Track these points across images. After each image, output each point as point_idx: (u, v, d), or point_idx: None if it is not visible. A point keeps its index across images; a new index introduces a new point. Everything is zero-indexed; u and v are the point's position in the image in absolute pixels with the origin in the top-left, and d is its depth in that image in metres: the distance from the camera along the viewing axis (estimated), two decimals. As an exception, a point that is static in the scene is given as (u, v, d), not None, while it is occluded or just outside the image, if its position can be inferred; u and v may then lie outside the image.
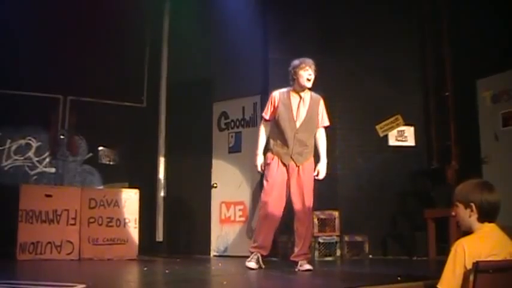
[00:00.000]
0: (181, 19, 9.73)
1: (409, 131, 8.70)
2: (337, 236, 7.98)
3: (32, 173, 9.38)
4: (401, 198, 8.38)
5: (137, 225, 7.84)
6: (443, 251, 6.73)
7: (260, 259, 6.04)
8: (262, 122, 6.31)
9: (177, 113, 9.69)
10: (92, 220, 7.66)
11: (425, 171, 8.46)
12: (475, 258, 3.01)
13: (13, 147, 9.31)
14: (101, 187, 9.23)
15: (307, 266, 5.89)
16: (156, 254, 9.12)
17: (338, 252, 7.96)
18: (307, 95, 6.16)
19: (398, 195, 8.37)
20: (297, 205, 5.97)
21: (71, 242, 7.51)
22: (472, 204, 3.21)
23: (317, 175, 6.07)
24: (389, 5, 8.57)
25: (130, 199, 7.87)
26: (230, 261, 7.55)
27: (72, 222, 7.57)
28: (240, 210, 8.64)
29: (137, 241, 7.81)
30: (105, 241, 7.67)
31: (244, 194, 8.56)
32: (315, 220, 7.87)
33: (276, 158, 6.03)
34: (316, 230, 7.87)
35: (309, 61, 6.17)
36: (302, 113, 6.07)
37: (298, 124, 6.04)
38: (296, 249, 6.06)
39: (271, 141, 6.12)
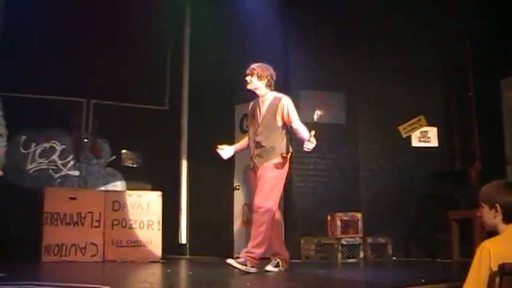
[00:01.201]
0: (202, 22, 9.77)
1: (432, 132, 8.65)
2: (360, 237, 7.95)
3: (56, 176, 9.48)
4: (424, 200, 8.33)
5: (160, 227, 7.88)
6: (467, 253, 6.67)
7: (280, 263, 6.04)
8: None
9: (199, 115, 9.72)
10: (115, 222, 7.72)
11: (448, 173, 8.40)
12: (500, 260, 2.99)
13: (38, 151, 9.43)
14: (124, 189, 9.29)
15: (231, 261, 5.81)
16: (179, 255, 9.17)
17: (361, 254, 7.93)
18: (268, 98, 6.21)
19: (421, 196, 8.32)
20: (255, 197, 5.95)
21: (95, 244, 7.57)
22: (497, 205, 3.19)
23: (308, 144, 5.89)
24: (408, 4, 8.52)
25: (153, 201, 7.90)
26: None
27: (96, 224, 7.63)
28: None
29: (161, 243, 7.84)
30: (129, 243, 7.72)
31: (267, 196, 8.54)
32: (338, 222, 7.86)
33: (250, 164, 6.18)
34: (338, 232, 7.85)
35: (250, 67, 6.26)
36: (261, 117, 6.15)
37: (257, 127, 6.14)
38: None
39: None
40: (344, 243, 7.85)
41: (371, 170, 8.58)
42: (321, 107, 8.50)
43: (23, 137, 9.37)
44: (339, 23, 8.58)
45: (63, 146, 9.58)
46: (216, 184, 9.13)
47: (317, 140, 8.26)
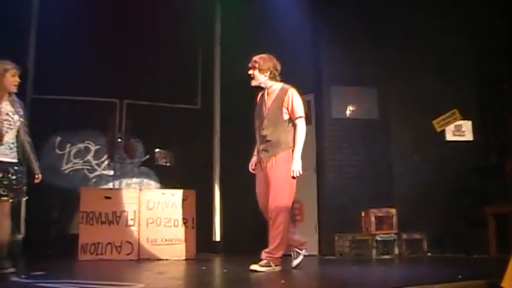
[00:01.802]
0: (232, 21, 9.80)
1: (467, 126, 8.54)
2: (394, 233, 7.89)
3: (91, 175, 9.61)
4: (459, 195, 8.21)
5: (195, 225, 7.92)
6: (504, 248, 6.57)
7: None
8: None
9: (231, 113, 9.75)
10: (150, 221, 7.79)
11: (483, 167, 8.27)
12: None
13: (73, 152, 9.56)
14: (158, 188, 9.36)
15: (254, 267, 5.72)
16: (214, 253, 9.20)
17: (396, 250, 7.86)
18: (275, 90, 5.99)
19: (457, 191, 8.21)
20: (269, 199, 5.80)
21: (130, 243, 7.65)
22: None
23: (292, 172, 5.74)
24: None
25: (187, 199, 7.95)
26: (287, 260, 7.54)
27: (131, 223, 7.72)
28: (296, 209, 8.60)
29: (195, 241, 7.89)
30: (164, 241, 7.78)
31: (301, 193, 8.47)
32: (372, 218, 7.81)
33: (256, 158, 6.04)
34: (373, 228, 7.81)
35: (252, 59, 6.03)
36: (267, 110, 5.96)
37: (264, 121, 5.93)
38: None
39: None
40: (378, 239, 7.80)
41: (405, 165, 8.50)
42: (353, 103, 8.46)
43: (58, 138, 9.52)
44: (370, 17, 8.52)
45: (98, 147, 9.70)
46: (249, 182, 9.10)
47: (350, 136, 8.31)
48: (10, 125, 5.60)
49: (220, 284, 5.35)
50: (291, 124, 5.89)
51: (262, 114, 5.98)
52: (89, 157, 9.65)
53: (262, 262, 5.74)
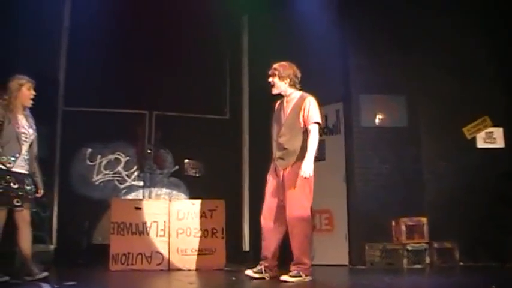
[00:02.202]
0: (259, 31, 9.82)
1: (498, 133, 8.43)
2: (426, 243, 7.81)
3: (122, 186, 9.69)
4: (491, 202, 8.10)
5: (224, 235, 7.92)
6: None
7: (263, 269, 5.93)
8: None
9: (259, 123, 9.73)
10: (180, 231, 7.81)
11: (515, 174, 8.16)
12: None
13: (103, 163, 9.67)
14: (188, 199, 9.40)
15: (286, 278, 5.67)
16: (244, 263, 9.19)
17: (427, 260, 7.78)
18: (293, 98, 6.03)
19: (488, 199, 8.09)
20: (287, 213, 5.82)
21: (161, 253, 7.68)
22: None
23: (303, 172, 5.74)
24: (465, 2, 8.33)
25: (216, 210, 7.96)
26: (317, 270, 7.51)
27: (162, 233, 7.74)
28: (325, 218, 8.60)
29: (225, 251, 7.89)
30: (194, 251, 7.79)
31: (330, 202, 8.50)
32: (403, 227, 7.75)
33: (272, 164, 6.06)
34: (404, 237, 7.74)
35: (272, 66, 6.09)
36: (285, 118, 6.00)
37: (282, 128, 5.98)
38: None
39: None
40: (409, 248, 7.73)
41: (435, 172, 8.40)
42: (382, 111, 8.40)
43: (89, 150, 9.64)
44: (398, 25, 8.45)
45: (128, 158, 9.80)
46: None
47: (379, 144, 8.25)
48: (26, 138, 5.83)
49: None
50: (306, 133, 5.90)
51: (280, 121, 6.03)
52: (119, 168, 9.74)
53: (292, 273, 5.72)
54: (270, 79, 6.03)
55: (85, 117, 9.58)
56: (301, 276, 5.70)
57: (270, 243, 5.99)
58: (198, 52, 9.86)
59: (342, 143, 8.47)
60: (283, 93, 6.06)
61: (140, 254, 7.61)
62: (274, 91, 6.06)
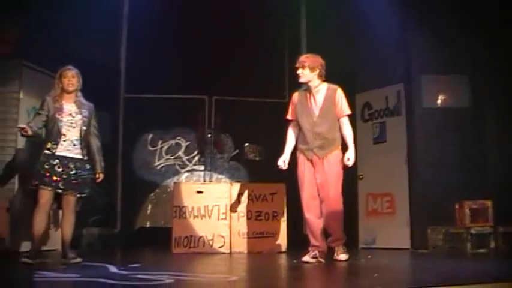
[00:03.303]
0: (318, 12, 9.73)
1: None
2: (490, 226, 7.60)
3: (183, 171, 9.83)
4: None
5: (285, 218, 7.93)
6: None
7: (317, 254, 6.07)
8: (288, 123, 6.51)
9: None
10: (241, 214, 7.85)
11: None
12: None
13: (164, 148, 9.83)
14: (248, 182, 9.44)
15: (342, 257, 6.14)
16: (304, 246, 9.18)
17: (492, 244, 7.58)
18: (321, 89, 6.24)
19: (557, 182, 7.81)
20: (324, 196, 6.11)
21: (222, 236, 7.75)
22: None
23: (348, 160, 6.09)
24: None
25: (277, 193, 7.96)
26: (379, 253, 7.46)
27: (223, 216, 7.81)
28: (387, 201, 8.49)
29: (286, 234, 7.90)
30: (255, 234, 7.83)
31: (391, 185, 8.39)
32: (467, 210, 7.57)
33: (301, 155, 6.27)
34: (467, 220, 7.56)
35: (299, 59, 6.26)
36: (317, 107, 6.20)
37: (315, 118, 6.18)
38: (330, 236, 6.23)
39: (298, 140, 6.36)
40: (473, 232, 7.54)
41: (500, 155, 8.14)
42: (444, 92, 8.19)
43: (150, 135, 9.82)
44: (458, 4, 8.19)
45: (188, 142, 9.93)
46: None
47: (442, 126, 8.06)
48: (71, 123, 6.04)
49: (313, 276, 5.33)
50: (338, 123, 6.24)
51: (311, 112, 6.23)
52: (180, 153, 9.88)
53: (340, 249, 6.20)
54: (300, 71, 6.19)
55: (146, 103, 9.75)
56: (346, 252, 6.21)
57: (318, 233, 6.18)
58: (257, 36, 9.86)
59: (403, 124, 8.32)
60: (310, 83, 6.22)
61: (202, 237, 7.71)
62: (302, 80, 6.23)
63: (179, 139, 9.93)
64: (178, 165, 9.85)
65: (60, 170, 5.88)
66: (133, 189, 9.59)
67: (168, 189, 9.45)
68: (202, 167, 9.87)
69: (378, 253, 7.52)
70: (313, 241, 6.16)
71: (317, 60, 6.24)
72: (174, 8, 9.55)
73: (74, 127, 6.04)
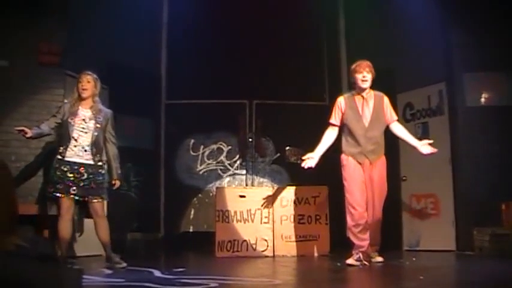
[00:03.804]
0: (356, 12, 9.67)
1: None
2: None
3: (225, 175, 9.87)
4: None
5: (328, 222, 7.89)
6: None
7: (361, 257, 6.06)
8: (329, 127, 6.57)
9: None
10: (284, 218, 7.84)
11: None
12: None
13: (206, 153, 9.90)
14: (290, 186, 9.42)
15: (379, 259, 6.32)
16: (347, 249, 9.13)
17: None
18: (370, 95, 6.37)
19: None
20: (369, 198, 6.21)
21: (265, 240, 7.75)
22: None
23: (430, 147, 6.29)
24: None
25: (319, 196, 7.94)
26: (423, 256, 7.37)
27: (266, 220, 7.81)
28: (431, 202, 8.37)
29: (329, 237, 7.86)
30: (298, 238, 7.81)
31: (435, 186, 8.27)
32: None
33: (350, 158, 6.31)
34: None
35: (363, 63, 6.35)
36: (368, 112, 6.31)
37: (366, 123, 6.28)
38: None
39: (344, 143, 6.41)
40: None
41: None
42: (488, 90, 8.00)
43: (192, 141, 9.90)
44: None
45: (230, 147, 9.97)
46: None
47: (486, 124, 7.90)
48: (83, 128, 6.08)
49: (357, 279, 5.30)
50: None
51: (364, 116, 6.31)
52: (222, 157, 9.93)
53: (377, 253, 6.42)
54: (369, 75, 6.30)
55: (187, 109, 9.84)
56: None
57: (364, 233, 6.17)
58: (295, 38, 9.85)
59: (446, 124, 8.20)
60: (367, 89, 6.34)
61: (245, 240, 7.72)
62: (367, 85, 6.31)
63: (221, 144, 9.98)
64: (220, 169, 9.90)
65: (71, 175, 5.94)
66: (176, 194, 9.68)
67: (211, 194, 9.51)
68: (244, 171, 9.90)
69: (422, 255, 7.43)
70: (357, 242, 6.14)
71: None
72: (212, 13, 9.62)
73: (85, 132, 6.08)
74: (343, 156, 6.38)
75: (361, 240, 6.13)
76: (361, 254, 6.07)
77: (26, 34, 7.04)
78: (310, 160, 6.48)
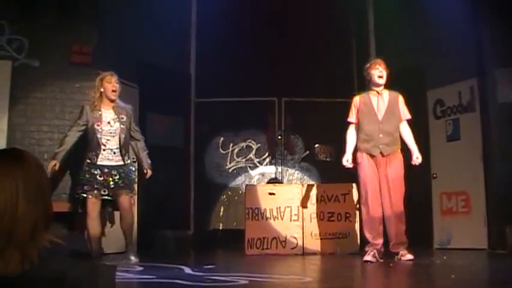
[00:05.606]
0: (385, 8, 9.59)
1: None
2: None
3: (254, 173, 9.90)
4: None
5: (358, 219, 7.87)
6: None
7: (376, 254, 6.13)
8: (349, 126, 6.68)
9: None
10: (313, 215, 7.83)
11: None
12: None
13: (235, 150, 9.93)
14: (320, 183, 9.42)
15: (409, 256, 6.13)
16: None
17: None
18: (385, 92, 6.50)
19: None
20: (385, 195, 6.26)
21: (295, 237, 7.75)
22: None
23: (417, 159, 6.36)
24: None
25: (349, 193, 7.91)
26: (455, 254, 7.29)
27: (295, 218, 7.81)
28: (462, 200, 8.28)
29: (358, 234, 7.83)
30: (328, 235, 7.80)
31: (466, 184, 8.18)
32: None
33: (364, 154, 6.37)
34: None
35: (378, 60, 6.56)
36: (382, 107, 6.41)
37: (380, 116, 6.37)
38: (391, 241, 6.29)
39: (359, 141, 6.47)
40: None
41: None
42: (520, 85, 7.92)
43: (221, 139, 9.94)
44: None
45: (259, 145, 9.99)
46: (412, 172, 8.90)
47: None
48: (111, 132, 6.15)
49: (388, 276, 5.28)
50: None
51: (379, 111, 6.40)
52: (251, 155, 9.96)
53: (406, 251, 6.22)
54: (385, 72, 6.45)
55: (216, 107, 9.90)
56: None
57: (379, 231, 6.29)
58: (324, 35, 9.83)
59: (477, 121, 8.09)
60: (381, 85, 6.47)
61: (275, 238, 7.73)
62: (383, 81, 6.45)
63: (250, 141, 10.01)
64: (249, 167, 9.94)
65: (101, 179, 6.01)
66: (206, 191, 9.74)
67: (240, 192, 9.55)
68: (273, 169, 9.92)
69: (453, 254, 7.35)
70: (372, 240, 6.24)
71: None
72: (241, 12, 9.63)
73: (113, 136, 6.14)
74: (358, 153, 6.46)
75: (374, 238, 6.22)
76: (375, 251, 6.14)
77: (58, 35, 7.13)
78: (347, 163, 6.54)
